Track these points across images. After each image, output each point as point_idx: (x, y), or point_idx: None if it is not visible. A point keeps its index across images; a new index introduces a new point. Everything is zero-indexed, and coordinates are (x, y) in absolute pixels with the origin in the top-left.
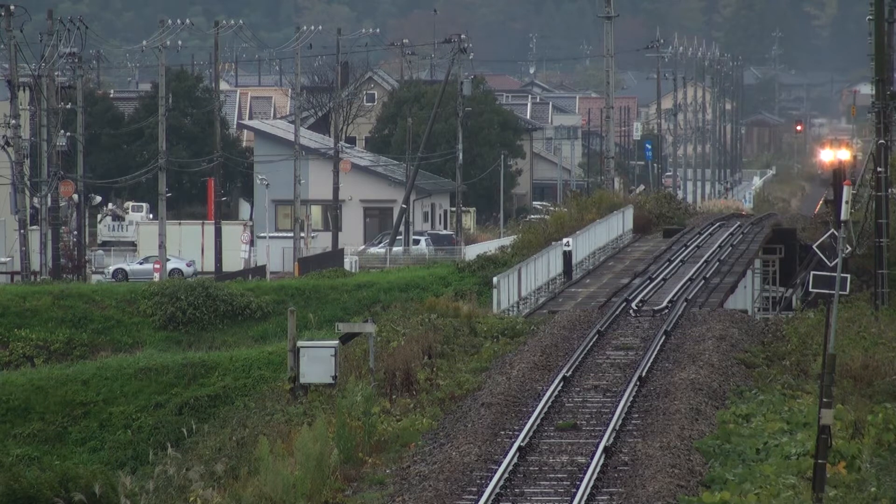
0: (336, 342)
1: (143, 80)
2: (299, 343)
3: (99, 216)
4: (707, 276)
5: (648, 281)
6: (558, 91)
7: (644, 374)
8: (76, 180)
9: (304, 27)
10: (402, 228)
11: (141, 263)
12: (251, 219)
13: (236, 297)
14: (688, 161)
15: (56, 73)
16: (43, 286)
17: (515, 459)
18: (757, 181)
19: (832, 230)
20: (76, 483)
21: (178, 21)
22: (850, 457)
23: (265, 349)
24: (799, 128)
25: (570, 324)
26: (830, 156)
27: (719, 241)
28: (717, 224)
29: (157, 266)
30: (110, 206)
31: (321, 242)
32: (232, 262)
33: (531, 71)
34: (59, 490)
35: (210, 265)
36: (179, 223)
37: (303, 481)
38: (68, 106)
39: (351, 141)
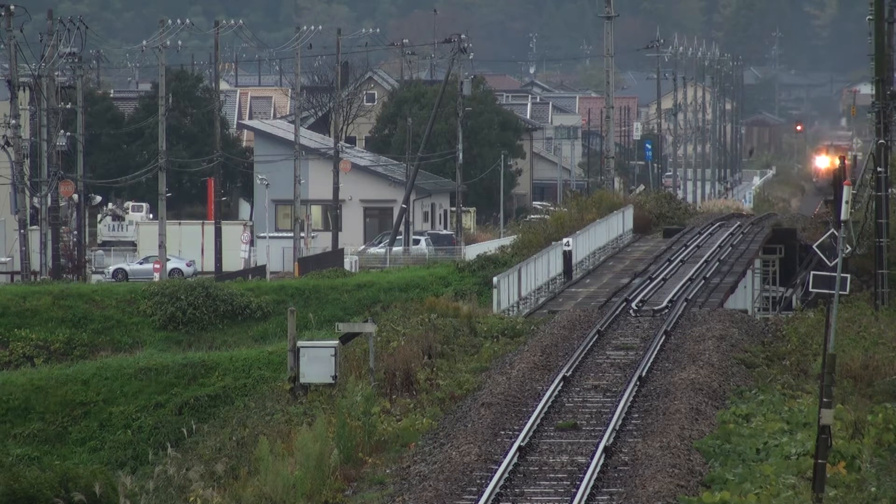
0: (336, 342)
1: (143, 80)
2: (299, 343)
3: (99, 216)
4: (707, 275)
5: (648, 281)
6: (558, 91)
7: (644, 374)
8: (76, 180)
9: (304, 27)
10: (402, 228)
11: (141, 263)
12: (251, 219)
13: (236, 297)
14: (688, 161)
15: (56, 73)
16: (43, 286)
17: (515, 459)
18: (757, 181)
19: (832, 230)
20: (76, 483)
21: (178, 21)
22: (850, 457)
23: (265, 349)
24: (799, 128)
25: (570, 324)
26: (826, 162)
27: (719, 241)
28: (717, 224)
29: (157, 266)
30: (110, 206)
31: (321, 242)
32: (232, 262)
33: (531, 71)
34: (59, 490)
35: (210, 265)
36: (179, 223)
37: (303, 481)
38: (68, 106)
39: (351, 141)
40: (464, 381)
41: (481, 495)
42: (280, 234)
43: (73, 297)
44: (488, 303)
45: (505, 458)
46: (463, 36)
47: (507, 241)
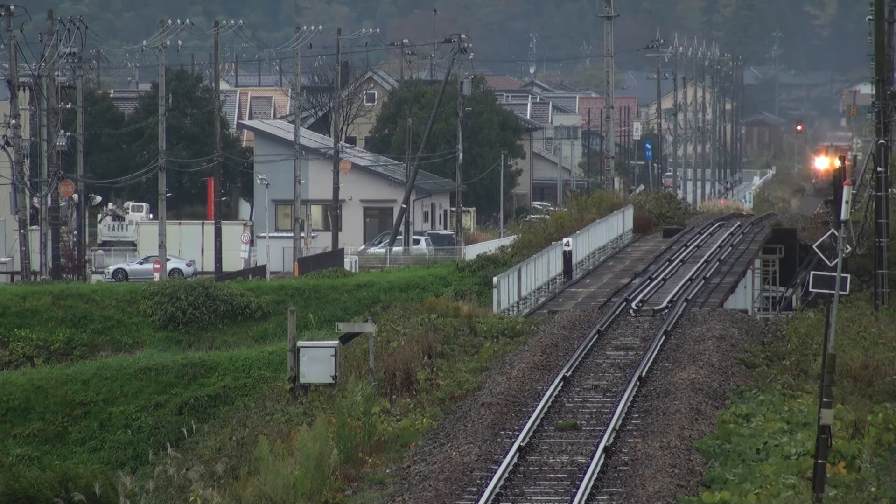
0: (336, 342)
1: (143, 80)
2: (299, 343)
3: (99, 216)
4: (707, 275)
5: (648, 281)
6: (558, 91)
7: (644, 374)
8: (76, 180)
9: (304, 27)
10: (402, 228)
11: (141, 263)
12: (251, 219)
13: (236, 297)
14: (688, 161)
15: (56, 73)
16: (43, 286)
17: (515, 459)
18: (757, 181)
19: (832, 230)
20: (76, 483)
21: (178, 21)
22: (850, 457)
23: (265, 349)
24: (799, 128)
25: (570, 324)
26: (825, 163)
27: (719, 241)
28: (717, 224)
29: (157, 266)
30: (110, 206)
31: (321, 242)
32: (232, 262)
33: (531, 71)
34: (59, 490)
35: (210, 265)
36: (179, 223)
37: (303, 481)
38: (68, 106)
39: (351, 141)
40: (464, 381)
41: (481, 495)
42: (280, 234)
43: (73, 297)
44: (488, 303)
45: (505, 458)
46: (463, 36)
47: (507, 241)
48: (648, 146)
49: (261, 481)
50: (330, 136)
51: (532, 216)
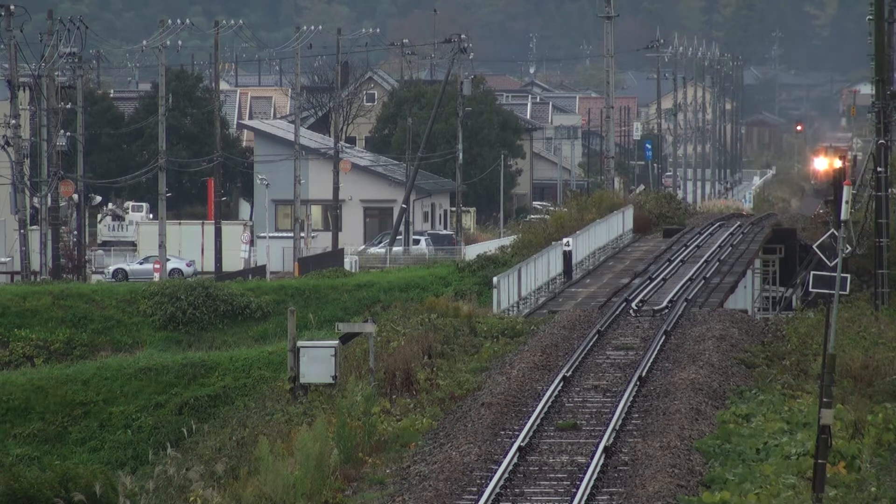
0: (336, 342)
1: (143, 80)
2: (299, 343)
3: (99, 216)
4: (707, 275)
5: (648, 281)
6: (558, 91)
7: (644, 374)
8: (76, 180)
9: (304, 27)
10: (402, 228)
11: (141, 263)
12: (251, 219)
13: (236, 297)
14: (688, 161)
15: (56, 73)
16: (43, 286)
17: (515, 459)
18: (757, 181)
19: (832, 230)
20: (76, 483)
21: (178, 21)
22: (850, 457)
23: (265, 349)
24: (799, 128)
25: (570, 324)
26: (825, 164)
27: (719, 241)
28: (717, 224)
29: (157, 266)
30: (110, 206)
31: (321, 242)
32: (232, 262)
33: (531, 71)
34: (59, 490)
35: (210, 265)
36: (179, 223)
37: (303, 481)
38: (68, 106)
39: (351, 141)
40: (464, 381)
41: (481, 495)
42: (280, 234)
43: (73, 297)
44: (488, 303)
45: (505, 458)
46: (463, 36)
47: (507, 241)
48: (648, 146)
49: (261, 481)
50: (330, 136)
51: (532, 216)
